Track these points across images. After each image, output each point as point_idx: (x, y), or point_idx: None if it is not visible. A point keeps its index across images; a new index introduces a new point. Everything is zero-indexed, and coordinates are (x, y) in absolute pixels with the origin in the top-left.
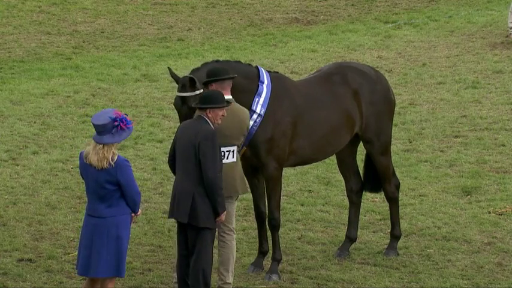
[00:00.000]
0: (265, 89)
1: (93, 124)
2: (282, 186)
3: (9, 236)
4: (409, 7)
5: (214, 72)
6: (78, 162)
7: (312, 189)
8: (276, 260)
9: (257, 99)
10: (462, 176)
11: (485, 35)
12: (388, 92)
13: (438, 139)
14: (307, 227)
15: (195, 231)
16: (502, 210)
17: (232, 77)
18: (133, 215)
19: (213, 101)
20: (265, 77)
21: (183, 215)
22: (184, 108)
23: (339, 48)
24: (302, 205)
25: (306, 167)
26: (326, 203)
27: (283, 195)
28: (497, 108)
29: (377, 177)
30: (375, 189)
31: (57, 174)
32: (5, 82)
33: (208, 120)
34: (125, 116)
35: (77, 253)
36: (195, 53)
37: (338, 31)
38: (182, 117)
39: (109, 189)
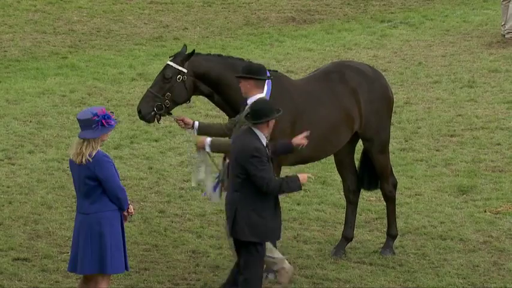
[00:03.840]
0: (265, 87)
1: (77, 119)
2: None
3: (5, 235)
4: (404, 6)
5: (251, 70)
6: None
7: (308, 188)
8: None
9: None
10: (458, 175)
11: (480, 34)
12: (387, 90)
13: (434, 138)
14: (303, 226)
15: (240, 244)
16: (498, 209)
17: (266, 78)
18: (125, 213)
19: (268, 113)
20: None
21: (228, 227)
22: (159, 75)
23: (335, 47)
24: (298, 204)
25: (302, 166)
26: (322, 202)
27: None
28: (493, 107)
29: (373, 174)
30: (371, 186)
31: (53, 174)
32: (0, 81)
33: (258, 132)
34: (111, 114)
35: None
36: None
37: (334, 30)
38: (152, 84)
39: (90, 185)
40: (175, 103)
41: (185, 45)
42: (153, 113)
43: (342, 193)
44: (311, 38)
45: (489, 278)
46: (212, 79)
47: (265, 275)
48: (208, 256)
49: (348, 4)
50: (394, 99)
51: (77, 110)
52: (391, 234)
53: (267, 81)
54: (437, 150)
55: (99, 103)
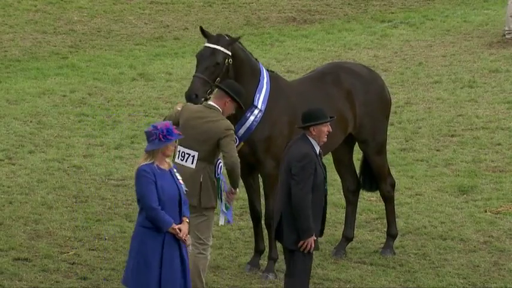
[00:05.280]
0: (265, 86)
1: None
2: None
3: (5, 235)
4: (405, 6)
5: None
6: (74, 161)
7: None
8: (272, 259)
9: (258, 95)
10: (458, 175)
11: (481, 34)
12: (383, 92)
13: (434, 138)
14: None
15: (285, 251)
16: (498, 209)
17: (236, 99)
18: (177, 236)
19: (314, 117)
20: (264, 74)
21: (273, 231)
22: (208, 60)
23: (336, 47)
24: None
25: None
26: None
27: None
28: (493, 108)
29: (373, 175)
30: (372, 188)
31: (53, 174)
32: (1, 81)
33: (311, 139)
34: (173, 128)
35: (74, 252)
36: (192, 52)
37: (334, 30)
38: (201, 70)
39: (137, 197)
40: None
41: (202, 28)
42: (202, 99)
43: (342, 193)
44: (311, 38)
45: (490, 278)
46: (241, 69)
47: (265, 276)
48: None
49: (349, 4)
50: (395, 100)
51: (77, 110)
52: (391, 234)
53: (265, 81)
54: (437, 150)
55: (99, 103)
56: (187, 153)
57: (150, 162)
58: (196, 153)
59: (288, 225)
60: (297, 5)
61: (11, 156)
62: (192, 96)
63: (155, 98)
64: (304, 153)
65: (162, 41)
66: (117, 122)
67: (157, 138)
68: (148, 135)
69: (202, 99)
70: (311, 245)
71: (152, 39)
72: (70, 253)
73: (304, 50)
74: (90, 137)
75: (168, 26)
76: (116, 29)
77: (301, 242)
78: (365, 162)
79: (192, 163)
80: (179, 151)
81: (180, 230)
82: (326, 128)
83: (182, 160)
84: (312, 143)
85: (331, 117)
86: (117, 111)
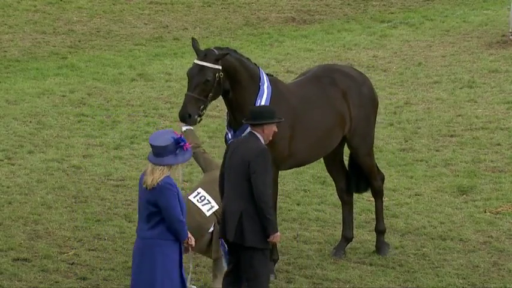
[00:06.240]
0: (265, 91)
1: (151, 145)
2: (278, 185)
3: (5, 235)
4: (404, 6)
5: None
6: (74, 162)
7: (308, 189)
8: (272, 259)
9: (259, 100)
10: (458, 175)
11: (480, 35)
12: (373, 94)
13: (434, 138)
14: (303, 226)
15: (244, 251)
16: (498, 209)
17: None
18: (184, 244)
19: (267, 116)
20: (264, 79)
21: (229, 233)
22: (197, 78)
23: (335, 47)
24: (298, 204)
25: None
26: (322, 202)
27: (280, 195)
28: (492, 108)
29: (362, 177)
30: (360, 190)
31: (52, 174)
32: (0, 82)
33: (260, 137)
34: (182, 136)
35: (73, 252)
36: (191, 52)
37: (334, 30)
38: (191, 88)
39: (150, 210)
40: (212, 101)
41: (194, 40)
42: (196, 116)
43: (337, 194)
44: (311, 38)
45: (489, 278)
46: (236, 77)
47: None
48: None
49: (348, 4)
50: (394, 100)
51: (77, 110)
52: (380, 230)
53: (266, 86)
54: (437, 151)
55: (98, 103)
56: (208, 200)
57: (167, 175)
58: (216, 208)
59: (250, 224)
60: (297, 5)
61: (11, 156)
62: (185, 117)
63: (154, 98)
64: (261, 148)
65: (162, 41)
66: (116, 122)
67: (186, 149)
68: (173, 148)
69: (196, 116)
70: (278, 237)
71: (152, 39)
72: (69, 253)
73: (304, 50)
74: (90, 137)
75: (167, 26)
76: (116, 29)
77: (271, 237)
78: (351, 164)
79: (208, 211)
80: (199, 192)
81: (190, 238)
82: (274, 128)
83: (198, 201)
84: (262, 140)
85: (278, 118)
86: (116, 112)
